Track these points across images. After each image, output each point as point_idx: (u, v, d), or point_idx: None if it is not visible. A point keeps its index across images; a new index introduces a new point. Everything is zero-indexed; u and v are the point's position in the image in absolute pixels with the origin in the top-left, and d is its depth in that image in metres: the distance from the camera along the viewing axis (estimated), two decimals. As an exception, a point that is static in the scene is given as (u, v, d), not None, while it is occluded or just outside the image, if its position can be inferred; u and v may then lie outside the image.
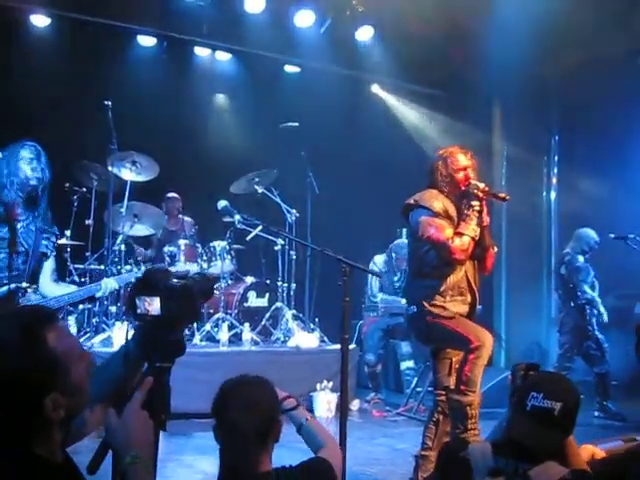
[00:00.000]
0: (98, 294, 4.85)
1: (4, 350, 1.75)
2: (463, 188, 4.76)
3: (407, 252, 5.26)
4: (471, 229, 4.62)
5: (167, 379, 2.08)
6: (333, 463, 2.69)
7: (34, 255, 4.60)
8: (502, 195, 4.83)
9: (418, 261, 4.87)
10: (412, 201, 4.82)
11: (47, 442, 1.83)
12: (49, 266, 4.78)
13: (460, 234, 4.60)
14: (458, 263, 4.71)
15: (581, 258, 8.30)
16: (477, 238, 4.66)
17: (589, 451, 3.16)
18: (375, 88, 11.12)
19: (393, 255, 9.24)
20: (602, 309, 8.18)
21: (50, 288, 4.74)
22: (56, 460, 1.85)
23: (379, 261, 9.22)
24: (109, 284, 4.82)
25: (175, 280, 2.10)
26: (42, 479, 1.76)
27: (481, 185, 4.73)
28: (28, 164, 4.63)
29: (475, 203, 4.69)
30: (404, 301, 9.22)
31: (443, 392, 4.84)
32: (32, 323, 1.80)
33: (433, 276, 4.78)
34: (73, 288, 4.91)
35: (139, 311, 2.07)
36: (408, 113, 10.93)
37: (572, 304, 8.28)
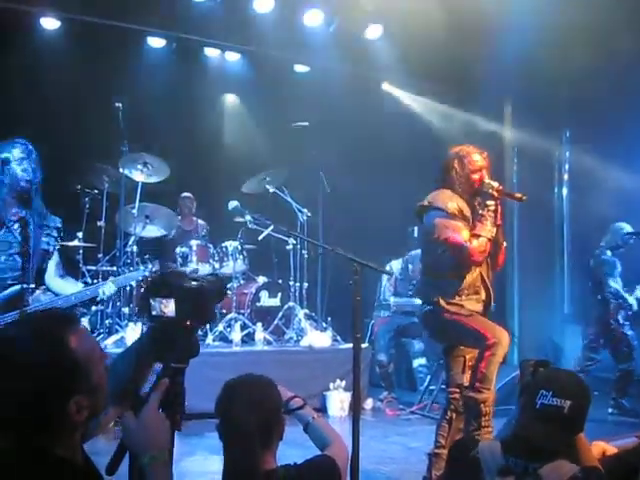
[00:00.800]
0: (98, 298, 4.84)
1: (28, 356, 1.75)
2: (477, 187, 4.74)
3: (421, 251, 5.25)
4: (487, 230, 4.60)
5: (182, 380, 2.10)
6: (338, 460, 2.69)
7: (35, 254, 4.58)
8: (518, 195, 4.78)
9: (433, 261, 4.85)
10: (426, 202, 4.78)
11: (69, 444, 1.84)
12: (53, 261, 4.76)
13: (477, 235, 4.58)
14: (476, 265, 4.71)
15: (609, 252, 8.24)
16: (493, 238, 4.65)
17: (600, 448, 3.15)
18: (386, 86, 11.10)
19: (410, 266, 9.24)
20: (632, 300, 8.15)
21: (56, 283, 4.72)
22: (77, 461, 1.86)
23: (396, 267, 9.23)
24: (106, 290, 4.79)
25: (189, 282, 2.12)
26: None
27: (495, 184, 4.71)
28: (18, 164, 4.54)
29: (490, 203, 4.67)
30: (418, 301, 9.29)
31: (456, 390, 4.84)
32: (54, 327, 1.81)
33: (449, 276, 4.77)
34: (80, 285, 4.89)
35: (154, 312, 2.09)
36: (423, 106, 10.89)
37: (599, 297, 8.25)
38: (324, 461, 2.69)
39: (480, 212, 4.67)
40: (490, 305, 4.94)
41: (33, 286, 4.52)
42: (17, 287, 4.44)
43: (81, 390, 1.80)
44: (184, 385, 2.11)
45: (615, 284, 8.20)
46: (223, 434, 2.52)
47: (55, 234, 4.79)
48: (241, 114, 11.02)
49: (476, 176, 4.76)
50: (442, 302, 4.73)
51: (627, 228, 8.26)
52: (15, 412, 1.75)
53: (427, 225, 4.77)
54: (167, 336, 2.09)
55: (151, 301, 2.09)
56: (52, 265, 4.75)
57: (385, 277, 9.39)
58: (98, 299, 4.93)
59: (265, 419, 2.50)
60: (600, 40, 7.90)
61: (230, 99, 11.10)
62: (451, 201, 4.71)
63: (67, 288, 4.73)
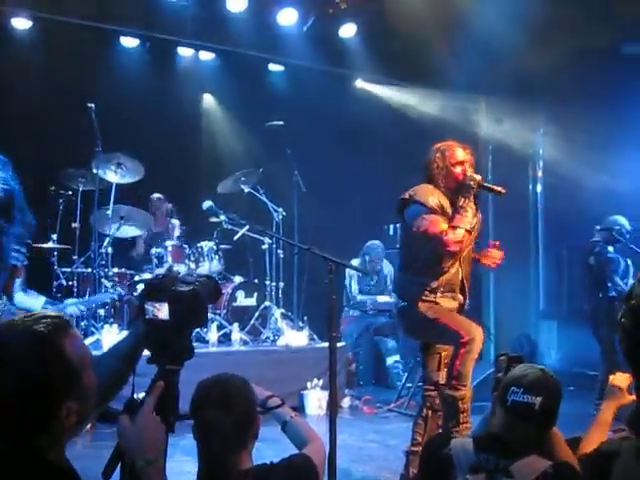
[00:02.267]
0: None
1: (21, 358, 1.74)
2: (459, 181, 4.73)
3: (399, 246, 5.23)
4: (466, 221, 4.58)
5: (176, 381, 2.13)
6: (315, 459, 2.69)
7: (5, 268, 4.51)
8: (498, 189, 4.77)
9: (411, 257, 4.86)
10: (407, 196, 4.76)
11: (57, 448, 1.83)
12: (20, 278, 4.70)
13: (454, 227, 4.56)
14: (452, 255, 4.68)
15: (611, 248, 8.09)
16: (472, 231, 4.65)
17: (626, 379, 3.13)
18: (359, 83, 11.10)
19: (367, 257, 9.28)
20: None
21: (19, 298, 4.67)
22: (64, 466, 1.85)
23: (355, 264, 9.26)
24: (73, 308, 4.72)
25: (183, 286, 2.14)
26: None
27: (477, 177, 4.71)
28: None
29: (469, 195, 4.66)
30: (385, 298, 9.34)
31: (432, 387, 4.86)
32: (49, 331, 1.80)
33: (426, 273, 4.77)
34: (42, 299, 4.83)
35: (148, 316, 2.11)
36: (398, 104, 10.90)
37: (600, 295, 8.08)
38: (301, 460, 2.68)
39: (459, 204, 4.64)
40: (465, 305, 4.96)
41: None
42: None
43: (72, 395, 1.80)
44: (178, 387, 2.13)
45: (621, 282, 8.04)
46: (198, 435, 2.51)
47: (24, 250, 4.71)
48: (216, 113, 10.99)
49: (458, 169, 4.75)
50: (416, 299, 4.75)
51: (622, 221, 8.08)
52: (7, 415, 1.75)
53: (407, 219, 4.76)
54: (161, 339, 2.11)
55: (145, 305, 2.11)
56: (18, 281, 4.68)
57: (349, 276, 9.47)
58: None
59: (239, 418, 2.49)
60: (574, 35, 7.95)
61: (204, 99, 11.06)
62: (432, 196, 4.69)
63: (29, 302, 4.67)
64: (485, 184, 4.78)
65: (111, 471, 2.02)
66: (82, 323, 7.79)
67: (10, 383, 1.73)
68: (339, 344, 7.59)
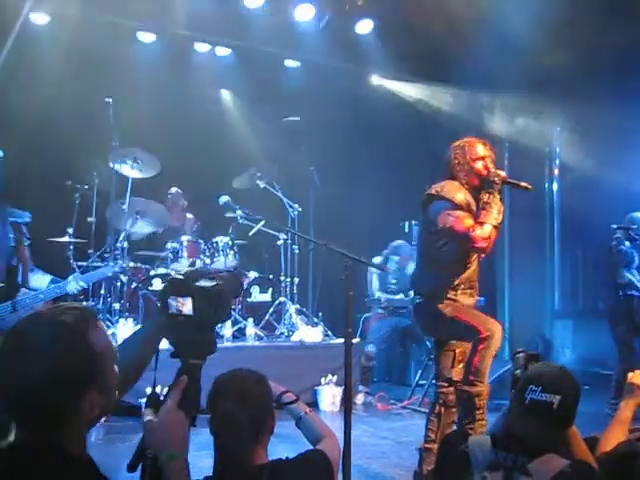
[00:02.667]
0: (69, 292, 4.77)
1: (48, 348, 1.75)
2: (482, 177, 4.69)
3: (418, 243, 5.20)
4: (492, 217, 4.53)
5: (199, 376, 2.14)
6: (330, 455, 2.69)
7: (2, 252, 4.51)
8: (524, 184, 4.71)
9: (433, 253, 4.80)
10: (434, 191, 4.69)
11: (79, 441, 1.84)
12: (24, 257, 4.70)
13: (481, 223, 4.52)
14: (480, 252, 4.66)
15: (628, 243, 7.97)
16: (499, 226, 4.59)
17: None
18: (375, 79, 11.08)
19: (395, 258, 9.22)
20: None
21: (28, 279, 4.69)
22: (86, 459, 1.86)
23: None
24: (75, 286, 4.73)
25: (206, 281, 2.15)
26: (79, 478, 1.77)
27: (502, 173, 4.68)
28: None
29: (493, 190, 4.62)
30: (401, 296, 9.31)
31: (445, 384, 4.84)
32: (76, 321, 1.81)
33: (449, 270, 4.75)
34: (47, 278, 4.82)
35: (171, 311, 2.12)
36: (413, 93, 10.87)
37: (620, 293, 7.95)
38: (316, 455, 2.69)
39: (485, 200, 4.60)
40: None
41: (2, 285, 4.46)
42: None
43: (96, 386, 1.81)
44: (200, 382, 2.14)
45: (631, 276, 7.92)
46: (214, 429, 2.52)
47: (24, 230, 4.71)
48: (232, 109, 11.00)
49: (479, 165, 4.71)
50: (435, 295, 4.74)
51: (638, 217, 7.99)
52: (33, 403, 1.75)
53: (431, 215, 4.69)
54: (185, 334, 2.12)
55: (169, 300, 2.12)
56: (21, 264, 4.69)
57: (370, 272, 9.42)
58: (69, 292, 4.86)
59: (255, 413, 2.50)
60: (591, 30, 7.90)
61: (220, 94, 11.07)
62: (459, 192, 4.65)
63: (36, 281, 4.69)
64: (510, 180, 4.71)
65: (137, 464, 2.05)
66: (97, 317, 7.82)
67: (36, 371, 1.73)
68: (355, 340, 7.58)
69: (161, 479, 1.97)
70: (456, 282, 4.74)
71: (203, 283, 2.14)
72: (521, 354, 3.07)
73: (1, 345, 1.78)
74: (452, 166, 4.78)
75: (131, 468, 2.05)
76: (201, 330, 2.14)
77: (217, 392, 2.52)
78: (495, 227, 4.55)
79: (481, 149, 4.78)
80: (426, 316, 4.89)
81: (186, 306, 2.10)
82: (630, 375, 3.24)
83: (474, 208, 4.65)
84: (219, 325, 8.01)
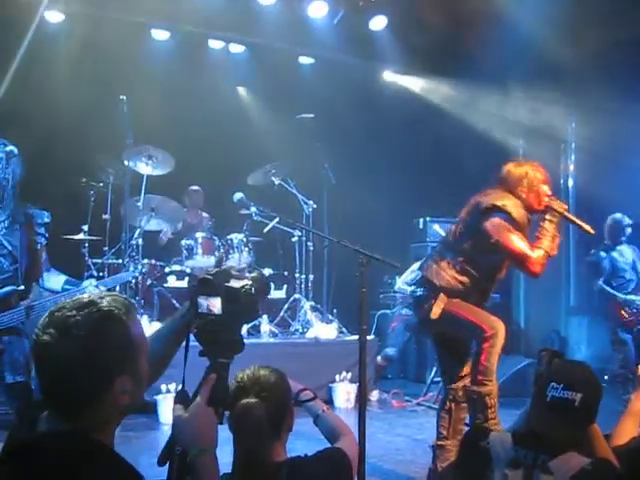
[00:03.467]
0: None
1: (88, 329, 1.80)
2: (544, 204, 4.63)
3: (453, 240, 4.99)
4: (547, 245, 4.49)
5: (226, 375, 2.19)
6: (349, 453, 2.69)
7: (23, 254, 4.55)
8: (586, 227, 4.66)
9: (471, 257, 4.69)
10: (500, 204, 4.55)
11: (106, 429, 1.87)
12: (40, 257, 4.74)
13: (537, 247, 4.48)
14: (533, 276, 4.58)
15: (603, 253, 8.42)
16: (552, 255, 4.54)
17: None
18: (389, 75, 11.05)
19: None
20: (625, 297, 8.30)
21: (43, 278, 4.74)
22: (110, 446, 1.88)
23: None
24: (94, 291, 4.74)
25: (236, 281, 2.20)
26: (102, 465, 1.78)
27: (565, 206, 4.67)
28: None
29: (554, 219, 4.59)
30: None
31: (453, 381, 4.84)
32: (115, 307, 1.87)
33: (476, 277, 4.69)
34: (62, 278, 4.86)
35: (201, 310, 2.16)
36: (427, 89, 10.84)
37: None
38: (334, 453, 2.69)
39: (544, 226, 4.57)
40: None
41: (22, 288, 4.50)
42: (8, 288, 4.44)
43: (128, 371, 1.85)
44: (228, 380, 2.20)
45: (602, 284, 8.40)
46: (233, 425, 2.52)
47: (42, 231, 4.74)
48: (246, 106, 11.01)
49: (546, 189, 4.64)
50: (443, 290, 4.69)
51: (611, 220, 8.46)
52: (66, 382, 1.79)
53: (486, 224, 4.56)
54: (214, 333, 2.16)
55: (199, 299, 2.16)
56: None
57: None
58: None
59: (275, 410, 2.51)
60: (608, 25, 7.85)
61: (234, 91, 11.08)
62: (520, 210, 4.57)
63: (51, 282, 4.73)
64: (568, 215, 4.66)
65: (167, 459, 2.09)
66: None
67: (73, 351, 1.78)
68: (369, 337, 7.58)
69: (188, 474, 2.01)
70: (471, 287, 4.70)
71: (233, 284, 2.18)
72: (546, 351, 3.06)
73: (44, 323, 1.82)
74: (514, 183, 4.67)
75: (161, 462, 2.09)
76: (229, 330, 2.19)
77: (236, 389, 2.53)
78: (548, 254, 4.49)
79: (545, 174, 4.72)
80: (427, 311, 4.78)
81: (216, 306, 2.14)
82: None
83: (525, 228, 4.59)
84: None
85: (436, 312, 4.70)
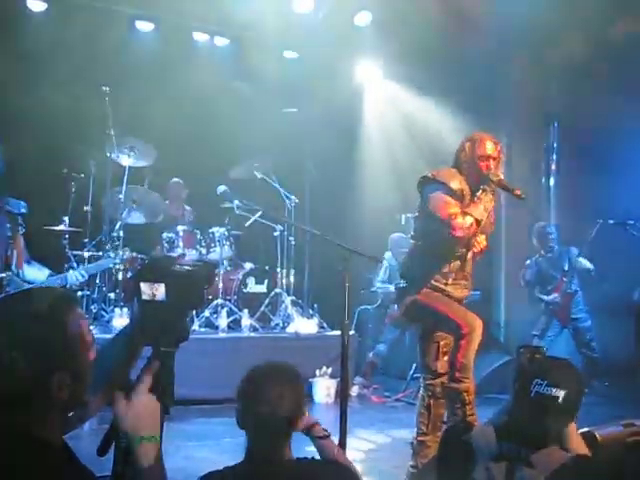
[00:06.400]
0: (68, 285, 4.76)
1: (21, 323, 1.80)
2: (482, 174, 4.73)
3: (414, 228, 5.22)
4: (478, 212, 4.61)
5: (172, 364, 2.11)
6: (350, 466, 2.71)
7: (1, 243, 4.51)
8: (517, 192, 4.73)
9: (426, 237, 4.85)
10: (430, 175, 4.78)
11: (47, 425, 1.85)
12: (18, 247, 4.70)
13: (465, 213, 4.59)
14: (458, 240, 4.68)
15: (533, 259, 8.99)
16: (482, 222, 4.65)
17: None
18: (373, 71, 11.03)
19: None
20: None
21: (23, 270, 4.69)
22: (56, 443, 1.86)
23: (387, 256, 9.21)
24: (76, 277, 4.72)
25: (180, 267, 2.14)
26: (43, 461, 1.77)
27: (500, 175, 4.74)
28: None
29: (488, 189, 4.69)
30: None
31: (430, 376, 4.85)
32: (54, 302, 1.86)
33: (437, 256, 4.78)
34: (45, 272, 4.83)
35: (144, 297, 2.09)
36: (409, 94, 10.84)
37: None
38: (344, 461, 2.74)
39: (477, 195, 4.69)
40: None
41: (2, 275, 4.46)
42: None
43: (66, 367, 1.84)
44: (174, 369, 2.11)
45: (537, 292, 8.93)
46: (249, 427, 2.51)
47: (19, 220, 4.70)
48: (229, 99, 10.95)
49: (484, 163, 4.75)
50: (421, 281, 4.76)
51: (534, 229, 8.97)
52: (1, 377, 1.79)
53: (424, 196, 4.78)
54: (157, 320, 2.09)
55: (141, 285, 2.09)
56: (18, 252, 4.69)
57: (381, 267, 9.38)
58: (67, 286, 4.87)
59: (292, 415, 2.51)
60: (591, 27, 7.88)
61: (218, 84, 11.02)
62: (455, 180, 4.72)
63: (33, 274, 4.69)
64: (505, 184, 4.76)
65: (106, 448, 2.03)
66: (92, 307, 7.82)
67: (5, 345, 1.78)
68: (350, 332, 7.58)
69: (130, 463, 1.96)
70: (445, 270, 4.76)
71: (177, 269, 2.12)
72: (525, 348, 3.08)
73: None
74: (459, 156, 4.84)
75: (101, 452, 2.02)
76: (174, 317, 2.12)
77: (256, 391, 2.50)
78: (477, 221, 4.61)
79: (490, 148, 4.79)
80: (408, 302, 4.87)
81: (159, 292, 2.07)
82: None
83: (467, 199, 4.72)
84: (214, 315, 8.06)
85: (410, 306, 4.81)
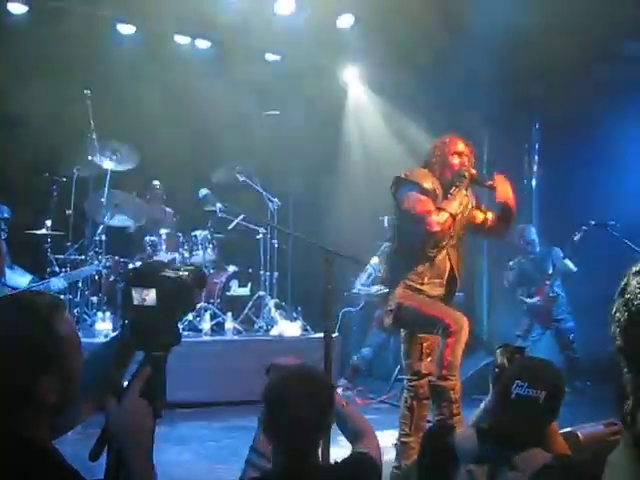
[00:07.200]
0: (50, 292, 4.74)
1: (9, 325, 1.81)
2: (454, 171, 4.83)
3: (391, 230, 5.29)
4: (452, 207, 4.70)
5: (163, 368, 2.13)
6: (374, 455, 2.63)
7: None
8: (489, 183, 4.92)
9: (400, 239, 4.94)
10: (403, 175, 4.85)
11: (37, 427, 1.85)
12: (0, 252, 4.67)
13: (440, 209, 4.67)
14: (434, 236, 4.73)
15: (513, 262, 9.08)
16: (456, 216, 4.72)
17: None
18: (356, 73, 11.03)
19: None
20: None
21: (5, 275, 4.67)
22: (45, 446, 1.86)
23: (373, 262, 9.21)
24: (56, 284, 4.71)
25: (171, 272, 2.15)
26: (32, 463, 1.77)
27: (472, 171, 4.85)
28: None
29: (462, 185, 4.77)
30: (376, 288, 9.32)
31: (414, 377, 4.88)
32: (42, 306, 1.86)
33: (412, 256, 4.83)
34: (28, 277, 4.81)
35: (135, 302, 2.11)
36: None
37: None
38: (363, 459, 2.61)
39: (450, 191, 4.77)
40: (455, 293, 5.05)
41: None
42: None
43: (53, 370, 1.84)
44: (165, 373, 2.13)
45: (519, 294, 9.04)
46: (282, 429, 2.44)
47: (2, 225, 4.66)
48: (211, 102, 10.93)
49: (455, 160, 4.85)
50: (401, 284, 4.79)
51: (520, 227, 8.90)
52: None
53: (397, 197, 4.85)
54: (148, 325, 2.11)
55: (132, 290, 2.11)
56: None
57: (364, 271, 9.39)
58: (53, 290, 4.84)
59: (327, 418, 2.49)
60: (572, 28, 7.91)
61: (200, 87, 10.99)
62: (427, 179, 4.81)
63: (15, 279, 4.66)
64: (477, 179, 4.91)
65: (99, 453, 2.03)
66: (75, 310, 7.78)
67: None
68: (333, 335, 7.58)
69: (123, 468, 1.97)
70: (420, 270, 4.79)
71: (168, 273, 2.13)
72: (504, 348, 3.08)
73: None
74: (431, 156, 4.94)
75: (93, 457, 2.02)
76: (164, 322, 2.13)
77: (290, 394, 2.44)
78: (452, 216, 4.69)
79: (461, 146, 4.93)
80: (392, 306, 4.89)
81: (149, 296, 2.08)
82: None
83: (440, 197, 4.80)
84: (197, 319, 8.05)
85: (397, 312, 4.83)
